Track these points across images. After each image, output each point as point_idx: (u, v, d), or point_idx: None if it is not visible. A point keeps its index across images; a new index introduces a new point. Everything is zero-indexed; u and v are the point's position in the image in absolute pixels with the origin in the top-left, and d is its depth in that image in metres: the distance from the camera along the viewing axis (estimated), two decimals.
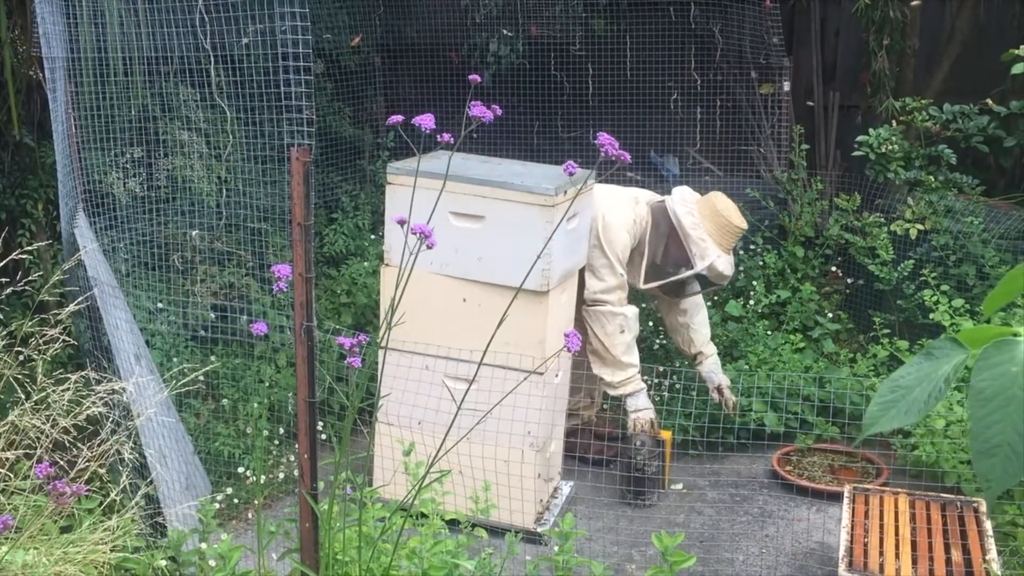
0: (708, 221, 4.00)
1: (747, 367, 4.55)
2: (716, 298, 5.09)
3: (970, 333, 0.86)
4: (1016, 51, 3.84)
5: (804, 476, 4.14)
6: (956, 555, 2.99)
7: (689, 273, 4.01)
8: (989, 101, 4.87)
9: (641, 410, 4.00)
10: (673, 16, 5.39)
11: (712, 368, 4.33)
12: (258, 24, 3.72)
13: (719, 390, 4.26)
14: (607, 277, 3.95)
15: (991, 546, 3.02)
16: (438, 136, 1.90)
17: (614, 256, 3.96)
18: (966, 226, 4.64)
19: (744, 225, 4.06)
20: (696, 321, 4.34)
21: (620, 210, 4.02)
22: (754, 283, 5.06)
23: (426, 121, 1.86)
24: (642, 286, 4.09)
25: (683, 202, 4.04)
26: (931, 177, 4.82)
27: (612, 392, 4.04)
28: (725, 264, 4.01)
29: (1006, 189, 5.24)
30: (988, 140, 4.87)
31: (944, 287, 4.40)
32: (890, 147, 4.86)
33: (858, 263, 4.94)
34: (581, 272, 3.99)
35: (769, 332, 4.80)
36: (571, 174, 1.95)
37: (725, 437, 4.20)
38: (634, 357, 4.02)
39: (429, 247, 1.92)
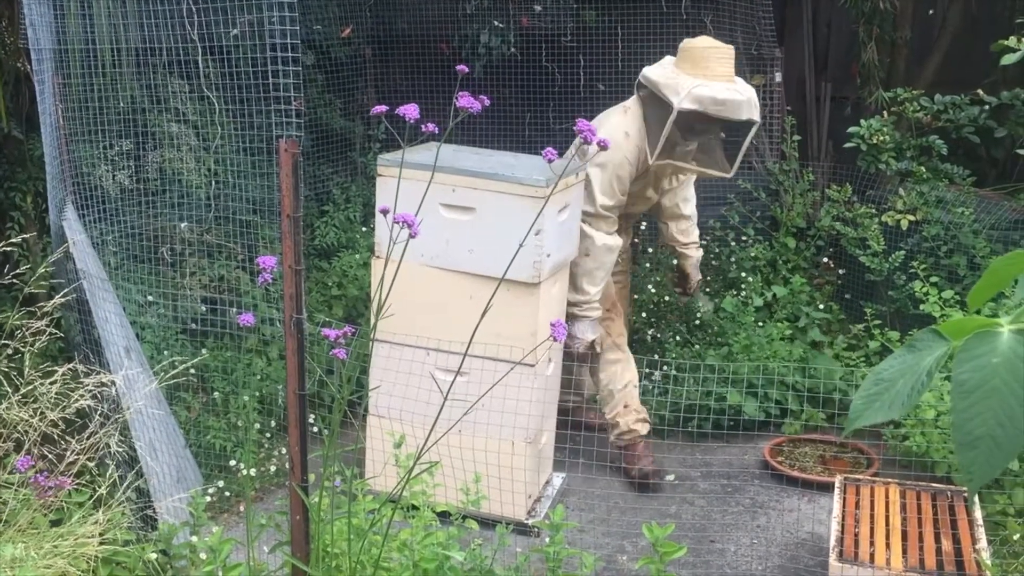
0: (681, 62, 3.75)
1: (730, 354, 4.56)
2: (708, 290, 5.09)
3: (953, 325, 0.86)
4: (1006, 42, 3.84)
5: (795, 467, 4.15)
6: (946, 545, 3.00)
7: (673, 115, 3.64)
8: (980, 92, 4.87)
9: (579, 339, 3.93)
10: (664, 7, 5.38)
11: (696, 264, 4.44)
12: (247, 15, 3.70)
13: (688, 279, 4.44)
14: (589, 203, 3.85)
15: (981, 535, 3.03)
16: (422, 127, 1.89)
17: (599, 182, 3.82)
18: (957, 217, 4.65)
19: (717, 43, 3.77)
20: (691, 209, 4.33)
21: (612, 126, 3.85)
22: (743, 274, 5.06)
23: (410, 111, 1.85)
24: (652, 161, 3.80)
25: (659, 64, 3.87)
26: (922, 168, 4.83)
27: (569, 309, 3.93)
28: (716, 88, 3.63)
29: (997, 180, 5.25)
30: (979, 131, 4.87)
31: (934, 278, 4.41)
32: (881, 138, 4.86)
33: (850, 254, 4.95)
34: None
35: (761, 324, 4.80)
36: (550, 161, 1.95)
37: (716, 427, 4.21)
38: (592, 287, 3.89)
39: (413, 236, 1.91)
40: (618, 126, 3.87)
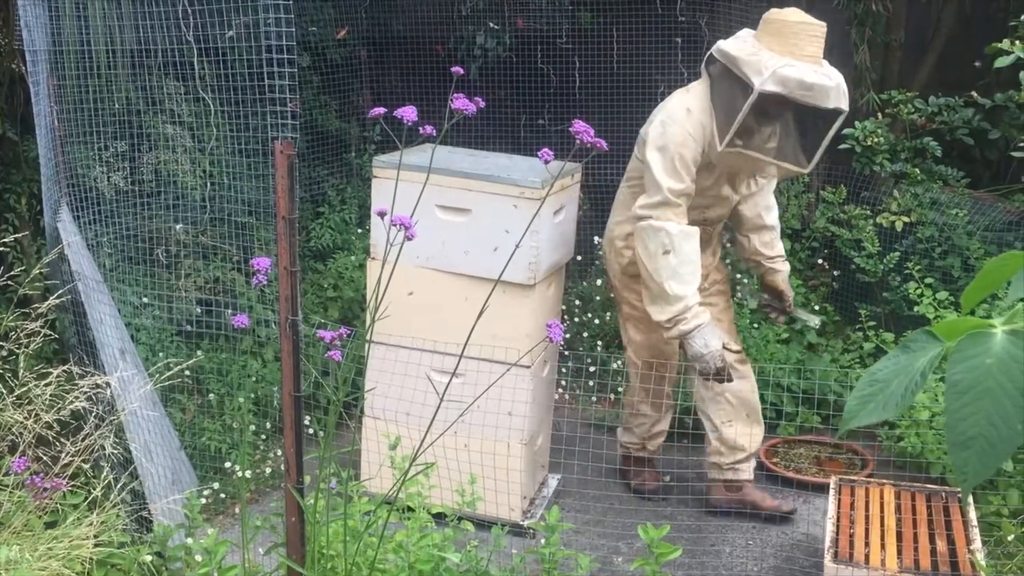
0: (763, 35, 3.29)
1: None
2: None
3: (947, 326, 0.86)
4: (1000, 44, 3.86)
5: (791, 468, 4.16)
6: (941, 545, 3.01)
7: (753, 96, 3.17)
8: (974, 94, 4.89)
9: (704, 354, 3.35)
10: (660, 9, 5.38)
11: (787, 278, 3.91)
12: (243, 17, 3.70)
13: (783, 295, 3.90)
14: (651, 192, 3.37)
15: (976, 536, 3.04)
16: (420, 129, 1.90)
17: (661, 165, 3.35)
18: (951, 218, 4.66)
19: (809, 18, 3.27)
20: (774, 218, 3.83)
21: (673, 105, 3.46)
22: (739, 275, 5.07)
23: (408, 114, 1.86)
24: (721, 147, 3.33)
25: (735, 37, 3.40)
26: (916, 170, 4.84)
27: (668, 334, 3.43)
28: (804, 71, 3.17)
29: (991, 181, 5.26)
30: (973, 133, 4.89)
31: (928, 280, 4.42)
32: (876, 140, 4.87)
33: (844, 255, 4.96)
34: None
35: (756, 326, 4.81)
36: (546, 162, 1.95)
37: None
38: (685, 286, 3.32)
39: (409, 238, 1.91)
40: (679, 103, 3.45)
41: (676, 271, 3.33)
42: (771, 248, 3.85)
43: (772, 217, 3.83)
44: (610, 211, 3.86)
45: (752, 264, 3.94)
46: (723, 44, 3.35)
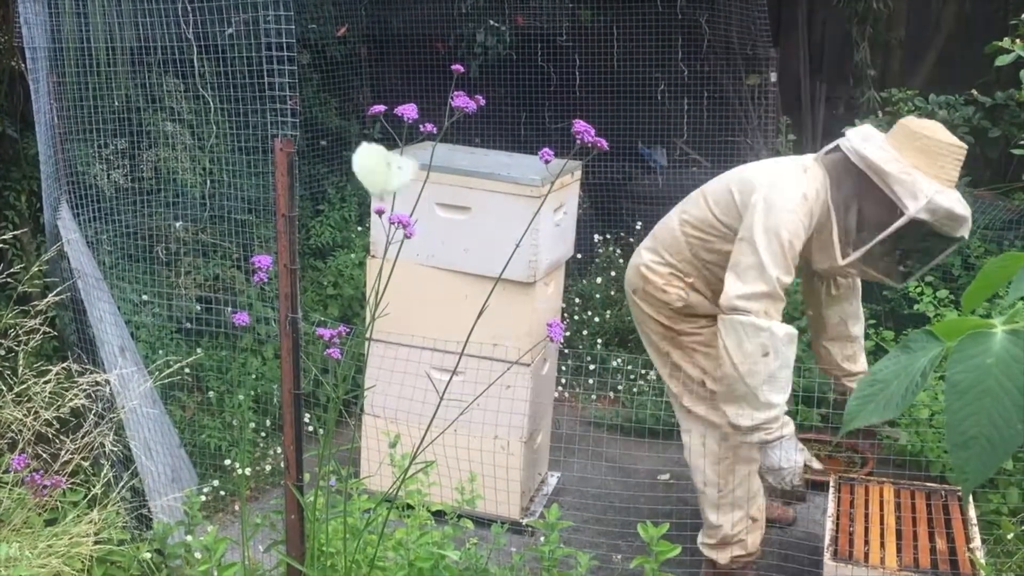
0: (908, 150, 2.96)
1: None
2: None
3: (947, 325, 0.86)
4: (1000, 43, 3.85)
5: None
6: (941, 543, 3.01)
7: (902, 221, 2.90)
8: (974, 92, 4.89)
9: (784, 468, 2.98)
10: (660, 6, 5.38)
11: None
12: (242, 14, 3.70)
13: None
14: (753, 280, 2.92)
15: (975, 534, 3.04)
16: (420, 127, 1.89)
17: (771, 252, 2.93)
18: None
19: (956, 140, 3.00)
20: (860, 329, 3.49)
21: (788, 185, 3.02)
22: None
23: (409, 111, 1.85)
24: (841, 263, 3.05)
25: (867, 138, 3.03)
26: None
27: (743, 438, 3.05)
28: (954, 201, 2.91)
29: (991, 180, 5.26)
30: (973, 131, 4.89)
31: (929, 278, 4.42)
32: None
33: None
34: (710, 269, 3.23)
35: None
36: (547, 162, 1.94)
37: None
38: (780, 394, 2.94)
39: (408, 237, 1.91)
40: (795, 185, 3.02)
41: (774, 376, 2.92)
42: (854, 363, 3.50)
43: (858, 328, 3.49)
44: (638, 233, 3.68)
45: (830, 376, 3.58)
46: (864, 150, 2.98)
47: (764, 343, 2.89)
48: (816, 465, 3.06)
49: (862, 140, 3.02)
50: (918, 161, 2.94)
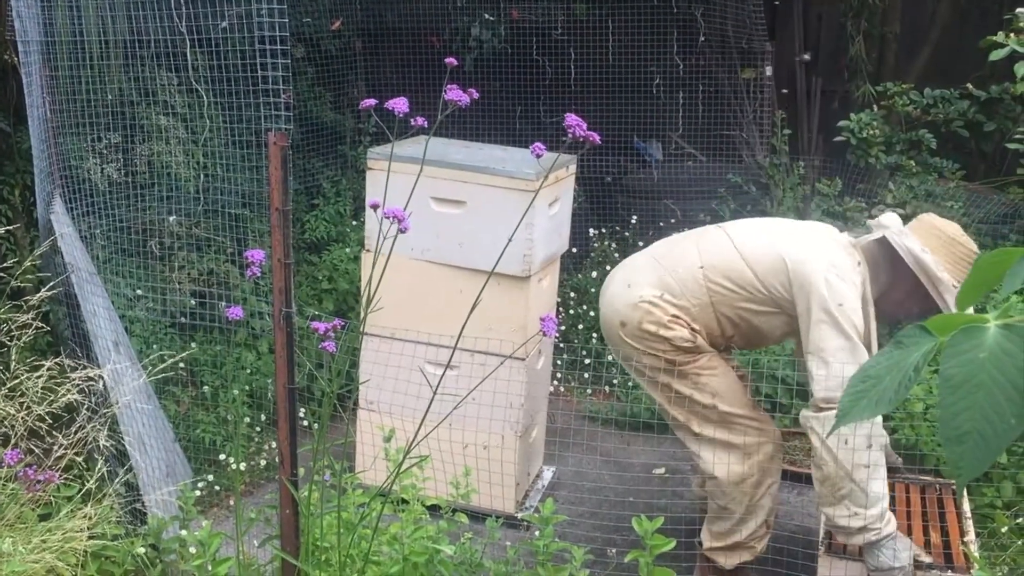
0: (943, 254, 2.96)
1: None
2: None
3: (939, 320, 0.86)
4: (995, 37, 3.85)
5: (785, 460, 4.16)
6: (935, 537, 3.01)
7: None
8: (969, 86, 4.89)
9: (895, 568, 2.76)
10: (655, 0, 5.37)
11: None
12: (236, 7, 3.69)
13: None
14: (847, 365, 2.77)
15: (969, 528, 3.04)
16: (412, 120, 1.89)
17: (857, 334, 2.83)
18: (946, 210, 4.67)
19: (975, 247, 3.07)
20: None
21: (848, 271, 2.94)
22: None
23: (400, 105, 1.85)
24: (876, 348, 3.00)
25: (906, 235, 2.97)
26: (912, 161, 4.84)
27: (849, 539, 2.86)
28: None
29: (986, 173, 5.27)
30: (968, 125, 4.89)
31: None
32: (871, 132, 4.87)
33: None
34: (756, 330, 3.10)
35: None
36: (538, 156, 1.94)
37: None
38: (881, 483, 2.79)
39: (403, 231, 1.90)
40: (853, 269, 2.96)
41: (878, 467, 2.79)
42: None
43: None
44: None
45: None
46: (915, 249, 2.92)
47: (868, 434, 2.75)
48: (926, 559, 2.84)
49: (905, 236, 2.95)
50: (949, 265, 2.93)
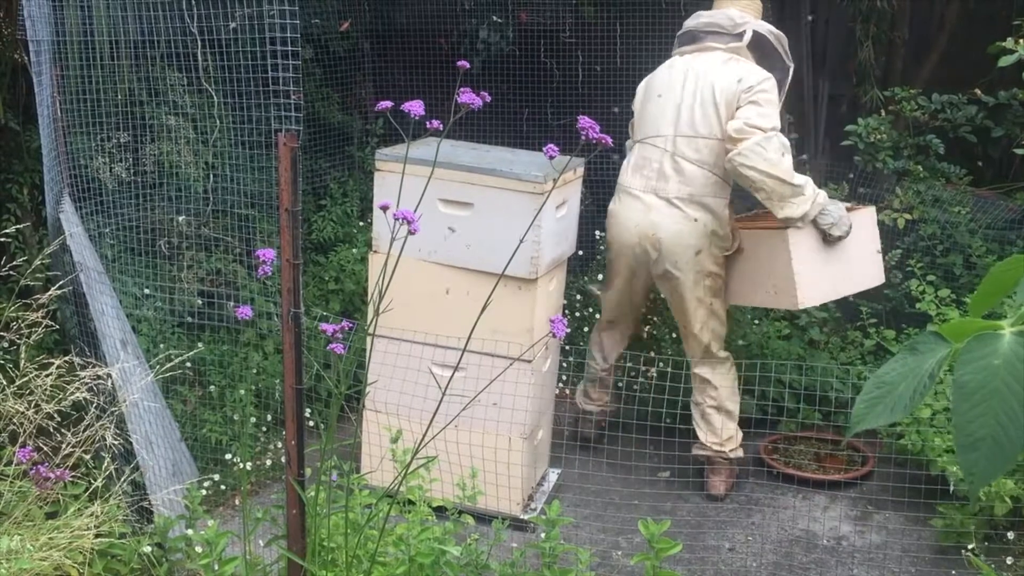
0: (753, 10, 3.92)
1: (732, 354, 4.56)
2: None
3: (954, 327, 0.86)
4: (1003, 43, 3.84)
5: (790, 464, 4.16)
6: None
7: (792, 70, 3.92)
8: (977, 91, 4.88)
9: (838, 221, 3.67)
10: (663, 3, 5.37)
11: None
12: (246, 8, 3.69)
13: None
14: (758, 112, 3.62)
15: None
16: (427, 123, 1.89)
17: (763, 97, 3.68)
18: (953, 216, 4.66)
19: None
20: None
21: (762, 72, 3.81)
22: None
23: (415, 107, 1.85)
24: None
25: (751, 22, 3.86)
26: (919, 166, 4.83)
27: (808, 219, 3.64)
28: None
29: (993, 179, 5.26)
30: (976, 130, 4.88)
31: (930, 277, 4.42)
32: (879, 136, 4.86)
33: None
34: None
35: (757, 321, 4.80)
36: (551, 157, 1.94)
37: None
38: (803, 175, 3.67)
39: (412, 232, 1.91)
40: (750, 64, 3.83)
41: (792, 164, 3.64)
42: None
43: None
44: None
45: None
46: (762, 26, 3.83)
47: (778, 146, 3.58)
48: (848, 204, 3.85)
49: (755, 24, 3.83)
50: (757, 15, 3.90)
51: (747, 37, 3.81)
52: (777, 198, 3.60)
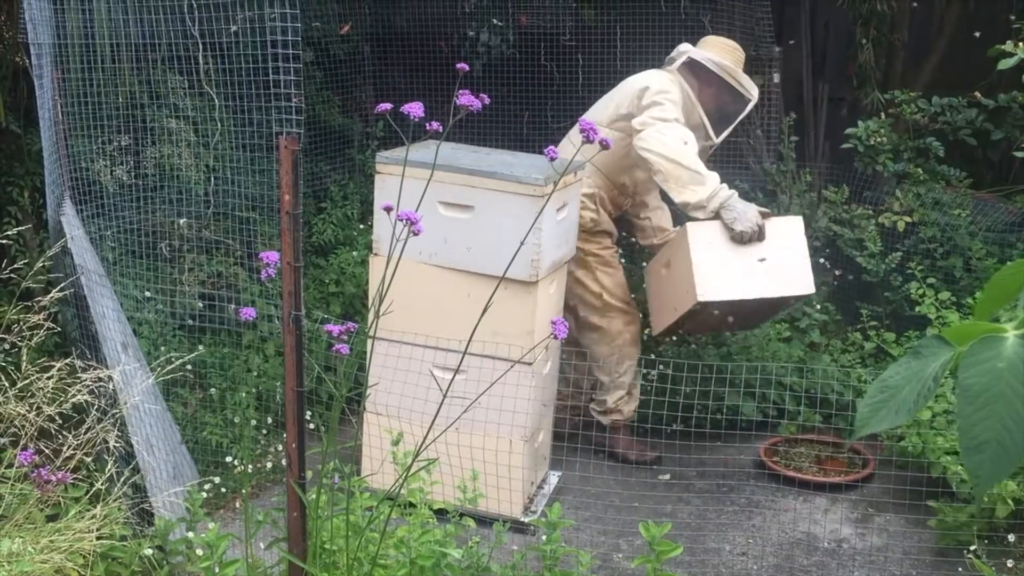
0: (728, 57, 4.12)
1: (729, 354, 4.56)
2: None
3: (957, 330, 0.86)
4: (1003, 46, 3.85)
5: (791, 467, 4.16)
6: None
7: (752, 103, 4.11)
8: (977, 94, 4.88)
9: (747, 210, 3.76)
10: (663, 6, 5.37)
11: None
12: (247, 11, 3.70)
13: None
14: (660, 109, 3.87)
15: None
16: (427, 125, 1.89)
17: (669, 102, 3.91)
18: (953, 219, 4.66)
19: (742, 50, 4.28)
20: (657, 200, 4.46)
21: (665, 79, 4.06)
22: None
23: (415, 109, 1.86)
24: (717, 139, 4.10)
25: (698, 51, 4.12)
26: (919, 169, 4.84)
27: (704, 214, 3.78)
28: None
29: (993, 182, 5.26)
30: (976, 133, 4.89)
31: (930, 280, 4.42)
32: (879, 139, 4.87)
33: (846, 255, 4.96)
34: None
35: None
36: (552, 159, 1.94)
37: (712, 426, 4.21)
38: (704, 169, 3.81)
39: (415, 234, 1.91)
40: (664, 73, 4.10)
41: (695, 156, 3.80)
42: (666, 224, 4.44)
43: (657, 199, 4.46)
44: None
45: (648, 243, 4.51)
46: (712, 57, 4.07)
47: (678, 135, 3.79)
48: (764, 210, 3.84)
49: (701, 51, 4.10)
50: (735, 64, 4.10)
51: (678, 63, 4.11)
52: (674, 181, 3.75)
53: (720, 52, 4.12)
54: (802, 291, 3.83)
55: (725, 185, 3.79)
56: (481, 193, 3.46)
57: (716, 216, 3.76)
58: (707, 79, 4.08)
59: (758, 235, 3.74)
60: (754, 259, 3.75)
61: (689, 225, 3.79)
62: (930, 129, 4.95)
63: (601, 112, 4.12)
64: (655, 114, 3.86)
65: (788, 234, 3.81)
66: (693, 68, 4.08)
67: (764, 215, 3.81)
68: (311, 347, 4.04)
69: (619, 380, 4.21)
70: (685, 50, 4.13)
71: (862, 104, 5.24)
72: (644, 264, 5.02)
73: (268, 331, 4.16)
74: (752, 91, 4.08)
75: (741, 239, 3.74)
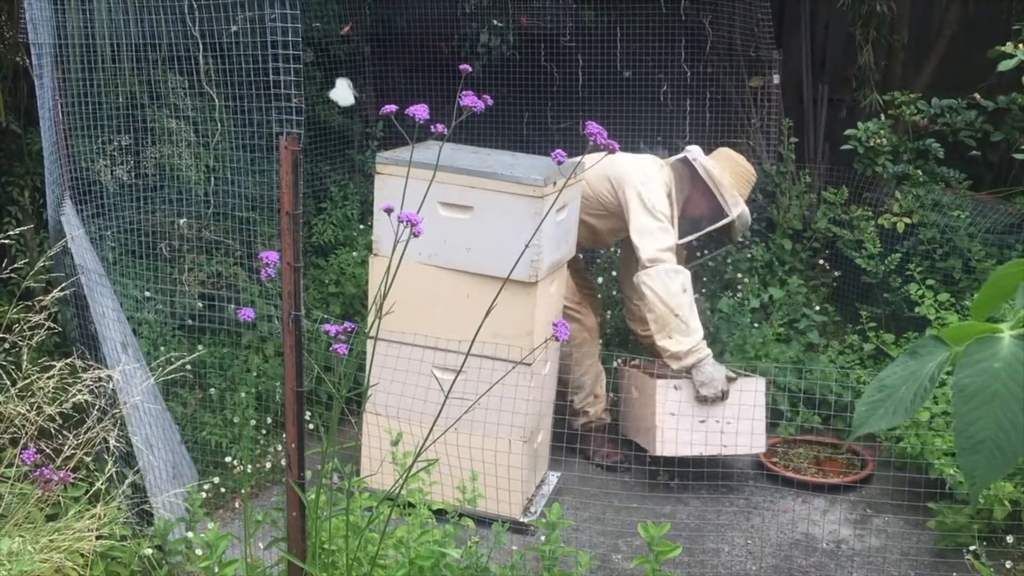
0: (728, 172, 4.13)
1: (724, 354, 4.57)
2: (704, 290, 5.10)
3: (954, 330, 0.87)
4: (1003, 47, 3.85)
5: (790, 468, 4.17)
6: None
7: (727, 220, 4.08)
8: (977, 95, 4.89)
9: (716, 377, 3.84)
10: (664, 8, 5.38)
11: None
12: (247, 11, 3.70)
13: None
14: (664, 238, 3.91)
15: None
16: (432, 127, 1.90)
17: (665, 218, 3.96)
18: (953, 220, 4.67)
19: (755, 173, 4.31)
20: None
21: (654, 174, 4.08)
22: (740, 275, 5.07)
23: (420, 111, 1.86)
24: (678, 241, 4.10)
25: (703, 157, 4.17)
26: (918, 171, 4.84)
27: (676, 365, 3.85)
28: (748, 214, 4.20)
29: (993, 183, 5.27)
30: (976, 134, 4.89)
31: (929, 281, 4.43)
32: (878, 141, 4.87)
33: (846, 256, 4.96)
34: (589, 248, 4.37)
35: (756, 325, 4.81)
36: (560, 163, 1.95)
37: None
38: (696, 320, 3.88)
39: (416, 235, 1.92)
40: (653, 164, 4.15)
41: (693, 307, 3.86)
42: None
43: None
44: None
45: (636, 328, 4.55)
46: (707, 164, 4.12)
47: (683, 282, 3.85)
48: (731, 375, 3.91)
49: (701, 156, 4.15)
50: (733, 180, 4.13)
51: (678, 156, 4.20)
52: (662, 325, 3.83)
53: (722, 164, 4.16)
54: (754, 450, 3.98)
55: (704, 343, 3.85)
56: (481, 194, 3.47)
57: (687, 372, 3.85)
58: (696, 182, 4.13)
59: (722, 399, 3.84)
60: (718, 417, 3.86)
61: (659, 384, 3.87)
62: (930, 130, 4.96)
63: (599, 186, 4.15)
64: (659, 247, 3.88)
65: (750, 396, 3.88)
66: (688, 166, 4.14)
67: (730, 380, 3.88)
68: (311, 347, 4.04)
69: (580, 380, 4.20)
70: (689, 150, 4.19)
71: (862, 105, 5.25)
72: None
73: (268, 331, 4.16)
74: (733, 209, 4.08)
75: (704, 402, 3.84)
